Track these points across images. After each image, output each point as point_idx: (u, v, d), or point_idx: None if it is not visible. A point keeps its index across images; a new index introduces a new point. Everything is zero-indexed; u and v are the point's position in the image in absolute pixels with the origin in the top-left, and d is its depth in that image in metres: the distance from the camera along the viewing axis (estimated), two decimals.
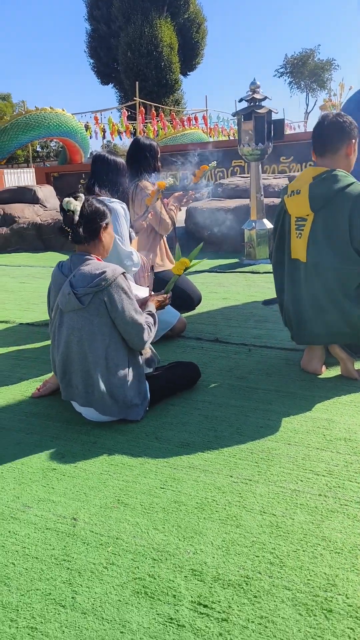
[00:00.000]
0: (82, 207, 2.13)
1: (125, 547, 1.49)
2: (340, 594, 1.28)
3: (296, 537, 1.48)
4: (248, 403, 2.32)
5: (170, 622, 1.24)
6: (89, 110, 20.43)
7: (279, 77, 39.41)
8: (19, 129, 14.95)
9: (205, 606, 1.27)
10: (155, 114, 20.88)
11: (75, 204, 2.11)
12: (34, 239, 7.52)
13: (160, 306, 2.41)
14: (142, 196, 3.43)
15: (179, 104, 31.60)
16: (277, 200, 5.96)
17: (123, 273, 2.07)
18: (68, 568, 1.42)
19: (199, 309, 3.74)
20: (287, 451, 1.93)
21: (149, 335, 2.14)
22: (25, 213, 7.89)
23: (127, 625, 1.24)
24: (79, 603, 1.31)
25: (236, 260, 5.75)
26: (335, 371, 2.57)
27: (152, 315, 2.24)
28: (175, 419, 2.21)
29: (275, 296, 2.71)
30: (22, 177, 15.96)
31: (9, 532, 1.58)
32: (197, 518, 1.59)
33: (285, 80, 39.23)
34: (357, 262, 2.23)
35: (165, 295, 2.47)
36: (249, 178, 5.98)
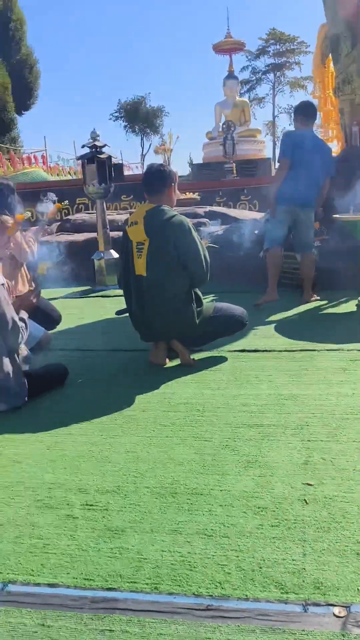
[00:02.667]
0: None
1: (25, 486, 1.97)
2: (181, 485, 1.91)
3: (152, 461, 2.09)
4: (109, 389, 2.90)
5: (67, 517, 1.76)
6: None
7: (114, 120, 41.45)
8: None
9: (91, 505, 1.82)
10: None
11: None
12: None
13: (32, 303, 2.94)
14: (3, 229, 3.88)
15: (15, 142, 31.62)
16: (121, 233, 6.68)
17: (2, 284, 2.55)
18: None
19: (59, 327, 4.23)
20: (142, 415, 2.54)
21: (23, 337, 2.64)
22: None
23: (36, 524, 1.73)
24: None
25: (89, 287, 6.34)
26: (176, 362, 3.26)
27: (23, 320, 2.74)
28: (52, 406, 2.71)
29: (125, 307, 3.35)
30: None
31: None
32: (78, 462, 2.12)
33: (120, 124, 41.32)
34: (183, 272, 2.98)
35: (37, 292, 3.00)
36: (94, 214, 6.65)
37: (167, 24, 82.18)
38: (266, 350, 3.37)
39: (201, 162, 22.63)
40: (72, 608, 1.39)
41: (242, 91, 35.37)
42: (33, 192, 11.04)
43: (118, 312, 3.55)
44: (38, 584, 1.48)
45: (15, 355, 2.65)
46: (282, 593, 1.39)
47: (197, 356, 3.30)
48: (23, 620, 1.36)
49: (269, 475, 1.93)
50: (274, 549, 1.55)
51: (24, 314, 2.83)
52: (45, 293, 5.30)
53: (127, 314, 3.35)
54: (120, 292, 3.38)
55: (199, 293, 3.15)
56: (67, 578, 1.49)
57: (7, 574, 1.52)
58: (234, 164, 16.60)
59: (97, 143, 5.87)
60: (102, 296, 5.79)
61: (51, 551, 1.60)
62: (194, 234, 2.99)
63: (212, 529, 1.65)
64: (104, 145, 5.93)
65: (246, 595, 1.39)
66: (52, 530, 1.69)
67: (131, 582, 1.46)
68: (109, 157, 5.93)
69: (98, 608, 1.38)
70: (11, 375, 2.57)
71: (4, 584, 1.48)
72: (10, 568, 1.54)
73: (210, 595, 1.40)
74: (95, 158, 5.84)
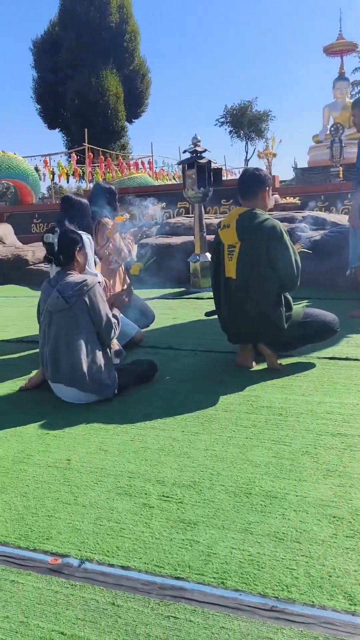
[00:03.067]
0: (58, 239, 2.78)
1: (108, 472, 2.07)
2: (256, 486, 1.92)
3: (229, 461, 2.12)
4: (195, 388, 2.96)
5: (144, 506, 1.83)
6: (38, 154, 21.15)
7: (219, 126, 41.76)
8: None
9: (167, 497, 1.88)
10: (103, 159, 21.90)
11: (53, 237, 2.77)
12: None
13: (125, 301, 3.08)
14: (104, 230, 4.09)
15: (125, 149, 32.94)
16: None
17: (99, 282, 2.72)
18: (68, 485, 1.99)
19: (152, 326, 4.38)
20: (224, 415, 2.57)
21: (115, 333, 2.78)
22: None
23: (115, 509, 1.82)
24: (79, 502, 1.88)
25: (183, 289, 6.49)
26: (262, 365, 3.26)
27: (116, 317, 2.88)
28: (139, 400, 2.82)
29: (214, 308, 3.40)
30: None
31: (20, 469, 2.13)
32: (158, 455, 2.20)
33: (225, 129, 41.54)
34: (273, 277, 2.96)
35: (129, 292, 3.14)
36: (193, 218, 6.78)
37: (277, 27, 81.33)
38: (357, 359, 3.25)
39: (306, 166, 22.17)
40: (141, 591, 1.45)
41: (352, 92, 34.12)
42: (138, 196, 11.49)
43: (207, 314, 3.61)
44: (112, 565, 1.56)
45: (108, 350, 2.80)
46: (350, 604, 1.36)
47: (284, 361, 3.26)
48: (95, 597, 1.44)
49: (349, 486, 1.88)
50: (346, 560, 1.52)
51: (116, 312, 2.97)
52: (140, 293, 5.51)
53: (216, 316, 3.39)
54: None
55: (289, 298, 3.12)
56: (139, 563, 1.56)
57: (85, 552, 1.62)
58: (341, 168, 16.08)
59: (197, 148, 5.99)
60: (195, 298, 5.90)
61: (127, 535, 1.68)
62: (286, 238, 2.97)
63: (283, 533, 1.65)
64: (204, 151, 6.03)
65: (312, 602, 1.37)
66: (129, 516, 1.78)
67: (199, 574, 1.50)
68: (209, 162, 6.02)
69: (165, 595, 1.43)
70: (103, 369, 2.71)
71: (81, 561, 1.58)
72: (88, 547, 1.64)
73: (275, 597, 1.40)
74: (195, 163, 5.96)
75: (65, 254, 2.79)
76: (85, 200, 3.92)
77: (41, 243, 5.86)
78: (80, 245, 2.86)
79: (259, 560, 1.54)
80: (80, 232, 3.50)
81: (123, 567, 1.55)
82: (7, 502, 1.90)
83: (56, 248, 2.77)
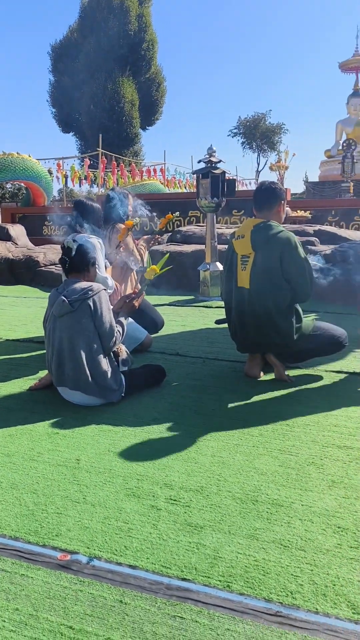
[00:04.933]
0: (76, 251, 2.82)
1: (117, 473, 2.11)
2: (263, 493, 1.94)
3: (236, 467, 2.15)
4: (202, 396, 2.99)
5: (152, 508, 1.86)
6: (52, 157, 21.35)
7: (232, 137, 41.90)
8: None
9: (174, 500, 1.91)
10: (115, 165, 22.02)
11: (73, 244, 2.82)
12: (5, 273, 8.09)
13: (134, 306, 3.05)
14: (117, 235, 4.14)
15: (138, 156, 33.13)
16: None
17: (104, 289, 2.76)
18: (77, 484, 2.03)
19: (162, 332, 4.42)
20: (231, 423, 2.60)
21: (116, 342, 2.80)
22: None
23: (123, 510, 1.85)
24: (88, 501, 1.91)
25: (192, 296, 6.53)
26: (270, 376, 3.29)
27: (121, 324, 2.90)
28: (147, 404, 2.85)
29: (224, 317, 3.44)
30: None
31: (31, 467, 2.17)
32: (166, 459, 2.23)
33: (238, 140, 41.68)
34: (286, 287, 3.00)
35: (140, 297, 3.12)
36: (204, 227, 6.84)
37: (294, 41, 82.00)
38: None
39: (317, 180, 22.28)
40: (148, 591, 1.48)
41: None
42: (149, 203, 11.58)
43: (217, 322, 3.65)
44: (120, 564, 1.59)
45: (113, 356, 2.83)
46: (353, 613, 1.38)
47: (292, 372, 3.29)
48: (103, 594, 1.47)
49: (354, 498, 1.91)
50: (350, 570, 1.54)
51: (122, 319, 2.97)
52: (151, 299, 5.55)
53: (226, 325, 3.43)
54: (222, 304, 3.47)
55: (300, 310, 3.15)
56: (147, 563, 1.59)
57: (94, 549, 1.65)
58: (352, 183, 16.15)
59: (212, 159, 6.06)
60: (204, 306, 5.94)
61: (134, 536, 1.71)
62: (300, 250, 3.01)
63: (289, 541, 1.67)
64: (219, 161, 6.09)
65: (316, 609, 1.40)
66: (137, 517, 1.81)
67: (205, 576, 1.53)
68: (223, 173, 6.08)
69: (172, 595, 1.46)
70: (109, 374, 2.74)
71: (90, 558, 1.61)
72: (97, 545, 1.67)
73: (280, 602, 1.43)
74: (209, 173, 6.02)
75: (80, 265, 2.84)
76: (97, 205, 3.97)
77: (52, 245, 5.82)
78: (94, 260, 2.91)
79: (264, 566, 1.56)
80: (92, 236, 3.56)
81: (131, 566, 1.58)
82: (18, 498, 1.94)
83: (73, 253, 2.81)
